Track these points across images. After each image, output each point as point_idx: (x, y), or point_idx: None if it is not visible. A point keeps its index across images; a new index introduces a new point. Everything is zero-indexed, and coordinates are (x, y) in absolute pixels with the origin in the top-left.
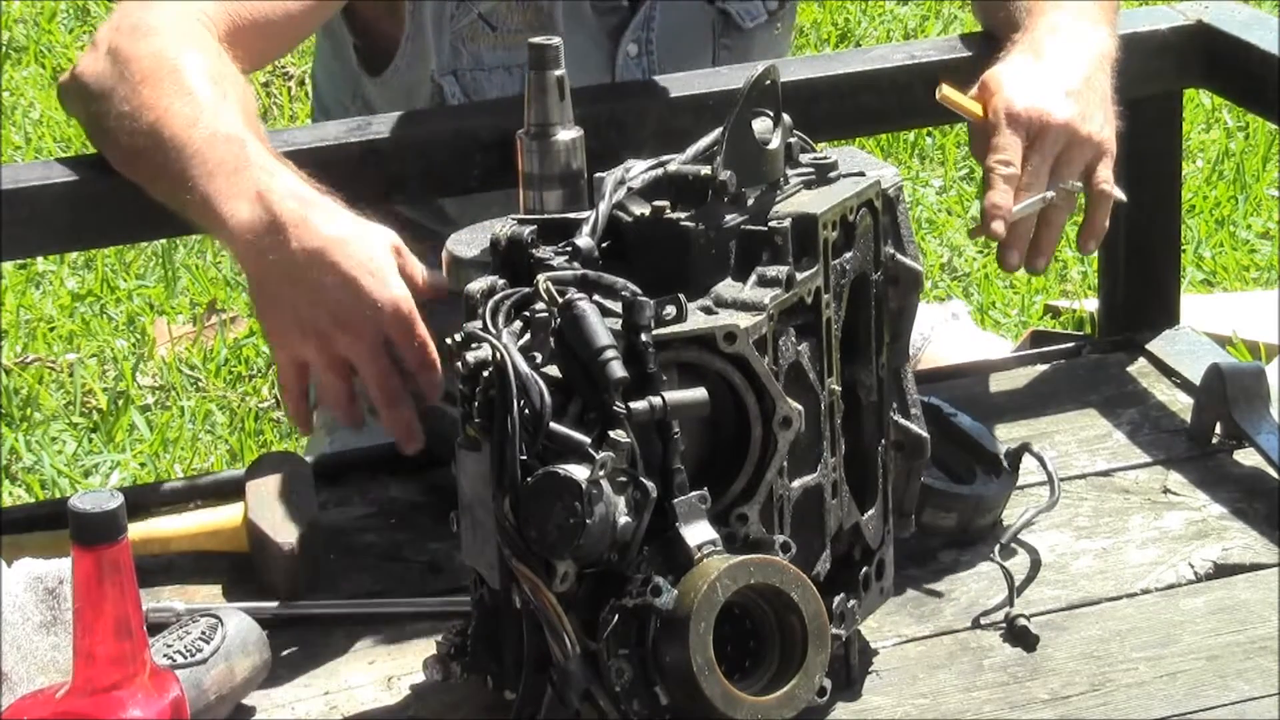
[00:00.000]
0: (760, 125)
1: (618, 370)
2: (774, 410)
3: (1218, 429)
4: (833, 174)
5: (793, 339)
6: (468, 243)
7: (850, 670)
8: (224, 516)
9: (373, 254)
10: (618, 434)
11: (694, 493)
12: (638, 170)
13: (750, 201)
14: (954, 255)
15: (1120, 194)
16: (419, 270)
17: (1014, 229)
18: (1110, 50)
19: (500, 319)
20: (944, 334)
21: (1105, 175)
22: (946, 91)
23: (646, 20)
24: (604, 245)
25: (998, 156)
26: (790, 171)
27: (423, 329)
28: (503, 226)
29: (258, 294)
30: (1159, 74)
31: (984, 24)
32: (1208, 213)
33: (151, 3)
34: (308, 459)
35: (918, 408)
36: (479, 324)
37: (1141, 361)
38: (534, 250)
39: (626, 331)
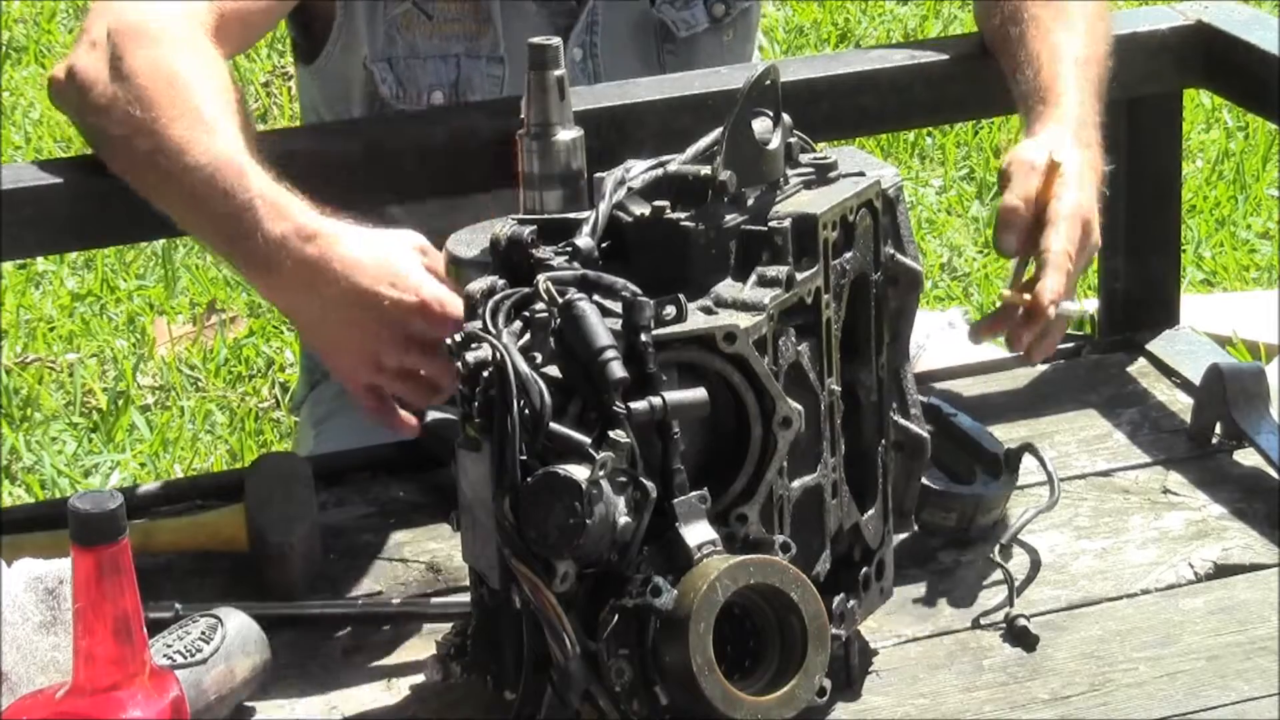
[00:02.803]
0: (760, 125)
1: (618, 370)
2: (774, 410)
3: (1218, 429)
4: (833, 174)
5: (793, 339)
6: (468, 243)
7: (850, 670)
8: (224, 516)
9: (388, 264)
10: (618, 434)
11: (694, 493)
12: (638, 170)
13: (750, 201)
14: (954, 255)
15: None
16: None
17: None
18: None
19: (500, 319)
20: (941, 342)
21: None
22: (1008, 296)
23: (589, 24)
24: (604, 245)
25: (1065, 248)
26: (790, 171)
27: (453, 304)
28: (503, 226)
29: (302, 335)
30: (1159, 74)
31: (981, 28)
32: (1208, 213)
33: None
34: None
35: (918, 408)
36: (479, 324)
37: (1141, 361)
38: (534, 250)
39: (626, 331)
